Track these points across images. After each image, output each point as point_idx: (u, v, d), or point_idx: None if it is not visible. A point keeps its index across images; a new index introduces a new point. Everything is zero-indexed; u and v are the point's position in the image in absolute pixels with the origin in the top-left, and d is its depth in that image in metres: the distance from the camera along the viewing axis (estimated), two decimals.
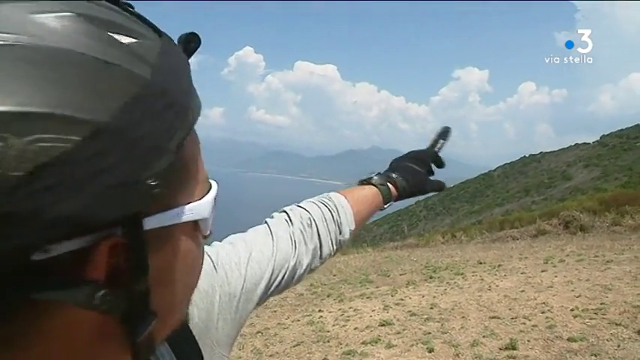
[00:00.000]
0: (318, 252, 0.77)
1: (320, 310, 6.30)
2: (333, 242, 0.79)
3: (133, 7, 0.35)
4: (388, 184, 0.89)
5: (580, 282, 6.18)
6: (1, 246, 0.26)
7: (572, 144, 58.55)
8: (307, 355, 4.62)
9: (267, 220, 0.77)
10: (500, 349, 4.19)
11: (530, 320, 4.89)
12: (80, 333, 0.33)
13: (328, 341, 4.95)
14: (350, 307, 6.24)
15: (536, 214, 13.25)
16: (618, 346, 3.98)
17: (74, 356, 0.33)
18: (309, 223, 0.77)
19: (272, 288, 0.69)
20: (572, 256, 8.00)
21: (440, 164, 0.98)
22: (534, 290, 6.06)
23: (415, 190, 0.94)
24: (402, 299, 6.40)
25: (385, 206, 0.90)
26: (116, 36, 0.31)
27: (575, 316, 4.86)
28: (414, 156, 0.98)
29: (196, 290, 0.56)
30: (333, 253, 0.81)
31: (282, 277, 0.70)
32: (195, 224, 0.38)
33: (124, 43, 0.31)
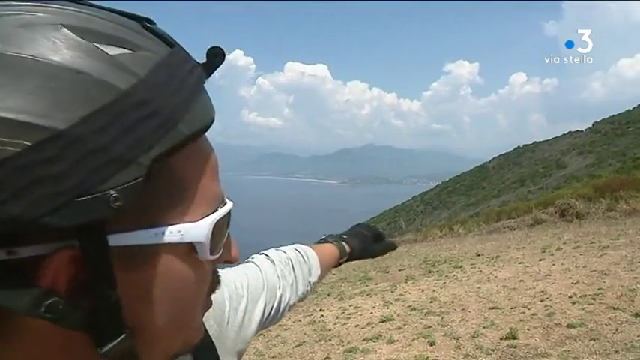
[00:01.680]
0: (295, 288, 0.83)
1: (321, 309, 6.32)
2: (306, 282, 0.87)
3: (152, 22, 0.36)
4: (344, 243, 0.99)
5: (577, 269, 6.22)
6: None
7: (566, 132, 58.80)
8: (310, 354, 4.64)
9: (251, 259, 0.83)
10: (501, 338, 4.22)
11: (529, 309, 4.93)
12: (47, 343, 0.33)
13: (330, 339, 4.97)
14: (350, 305, 6.26)
15: (532, 203, 13.31)
16: (616, 329, 4.01)
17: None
18: (286, 262, 0.84)
19: (266, 314, 0.74)
20: (569, 244, 8.05)
21: (380, 239, 1.09)
22: (532, 279, 6.10)
23: (364, 252, 1.04)
24: (402, 294, 6.43)
25: (341, 261, 1.00)
26: (102, 47, 0.31)
27: (573, 303, 4.90)
28: (364, 226, 1.11)
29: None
30: (305, 294, 0.88)
31: (273, 305, 0.76)
32: (189, 248, 0.36)
33: (108, 54, 0.31)
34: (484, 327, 4.60)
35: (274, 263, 0.82)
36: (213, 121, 0.37)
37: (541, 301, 5.14)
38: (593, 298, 4.90)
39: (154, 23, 0.36)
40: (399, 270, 8.39)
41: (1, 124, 0.27)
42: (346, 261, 1.00)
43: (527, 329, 4.35)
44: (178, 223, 0.35)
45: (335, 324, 5.54)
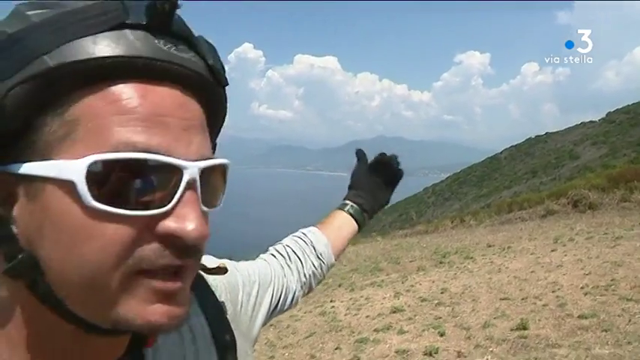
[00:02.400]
0: (302, 279, 0.86)
1: (332, 301, 6.35)
2: (314, 258, 0.89)
3: None
4: (360, 209, 0.98)
5: (590, 259, 6.18)
6: None
7: (579, 123, 58.01)
8: (320, 344, 4.68)
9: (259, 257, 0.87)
10: (512, 329, 4.22)
11: (540, 300, 4.91)
12: None
13: (340, 330, 5.00)
14: (361, 296, 6.28)
15: (544, 194, 13.20)
16: (629, 320, 3.99)
17: None
18: (287, 252, 0.87)
19: (274, 302, 0.77)
20: (581, 235, 7.99)
21: (386, 161, 1.04)
22: (544, 270, 6.07)
23: (380, 206, 1.03)
24: (413, 285, 6.44)
25: (361, 223, 0.99)
26: (28, 10, 0.37)
27: (585, 294, 4.87)
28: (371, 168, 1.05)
29: (225, 283, 0.65)
30: (321, 267, 0.90)
31: (280, 294, 0.79)
32: (70, 187, 0.36)
33: (24, 13, 0.37)
34: (495, 318, 4.60)
35: (276, 256, 0.86)
36: (157, 61, 0.38)
37: (553, 292, 5.12)
38: (606, 289, 4.87)
39: None
40: (410, 261, 8.39)
41: None
42: (370, 218, 1.00)
43: (539, 320, 4.34)
44: (60, 159, 0.36)
45: (346, 315, 5.57)
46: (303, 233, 0.93)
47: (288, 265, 0.85)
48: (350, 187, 1.02)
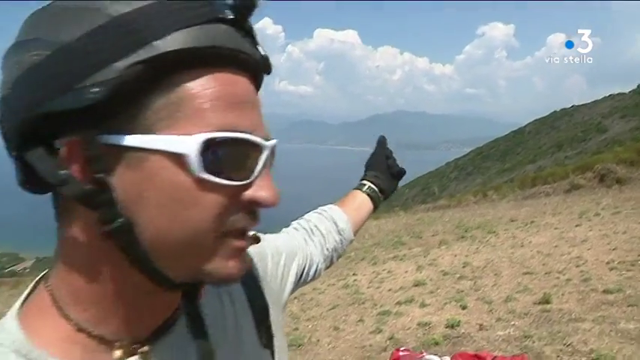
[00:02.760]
0: (325, 252, 0.91)
1: (354, 274, 6.43)
2: (335, 233, 0.94)
3: None
4: (378, 190, 1.04)
5: (616, 235, 6.09)
6: (11, 121, 0.42)
7: (607, 95, 56.24)
8: (343, 316, 4.76)
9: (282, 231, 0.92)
10: (534, 303, 4.22)
11: (564, 274, 4.89)
12: (84, 220, 0.44)
13: (363, 303, 5.08)
14: (384, 270, 6.35)
15: (569, 168, 12.96)
16: None
17: (90, 242, 0.45)
18: (310, 225, 0.92)
19: (300, 272, 0.82)
20: (607, 210, 7.86)
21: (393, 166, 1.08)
22: (568, 245, 6.02)
23: (393, 189, 1.09)
24: (435, 259, 6.47)
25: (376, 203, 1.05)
26: None
27: (611, 269, 4.83)
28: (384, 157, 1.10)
29: (256, 253, 0.69)
30: (342, 242, 0.95)
31: (305, 264, 0.84)
32: (180, 160, 0.41)
33: None
34: (517, 292, 4.61)
35: (300, 230, 0.92)
36: (237, 51, 0.44)
37: (577, 266, 5.09)
38: (633, 265, 4.82)
39: None
40: (432, 235, 8.40)
41: (42, 44, 0.40)
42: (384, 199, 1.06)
43: (562, 294, 4.33)
44: (169, 134, 0.41)
45: (368, 288, 5.65)
46: (324, 210, 0.98)
47: (311, 239, 0.90)
48: (368, 168, 1.07)
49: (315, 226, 0.92)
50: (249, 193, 0.45)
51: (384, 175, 1.05)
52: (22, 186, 0.45)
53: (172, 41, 0.40)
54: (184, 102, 0.42)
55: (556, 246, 6.08)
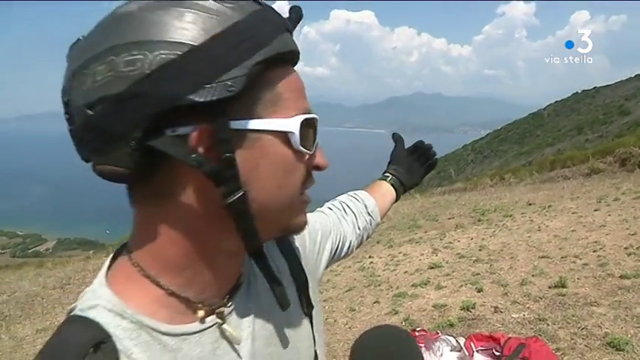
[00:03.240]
0: (355, 226, 1.01)
1: (370, 257, 6.50)
2: (365, 214, 1.04)
3: None
4: (399, 182, 1.16)
5: (636, 220, 6.04)
6: (139, 113, 0.47)
7: (632, 76, 54.74)
8: (359, 298, 4.85)
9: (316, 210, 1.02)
10: (550, 287, 4.24)
11: (580, 259, 4.89)
12: (196, 198, 0.53)
13: (379, 285, 5.15)
14: (399, 252, 6.40)
15: (589, 152, 12.77)
16: None
17: (193, 217, 0.54)
18: (341, 206, 1.03)
19: (334, 248, 0.91)
20: (628, 194, 7.77)
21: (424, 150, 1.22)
22: (586, 230, 5.99)
23: (414, 184, 1.21)
24: (451, 242, 6.50)
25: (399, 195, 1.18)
26: (224, 4, 0.50)
27: (629, 254, 4.80)
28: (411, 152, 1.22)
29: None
30: (371, 223, 1.06)
31: (339, 241, 0.93)
32: (285, 137, 0.54)
33: (226, 6, 0.50)
34: (533, 275, 4.63)
35: (334, 210, 1.01)
36: (298, 53, 0.56)
37: (594, 251, 5.07)
38: None
39: None
40: (449, 218, 8.41)
41: (163, 43, 0.47)
42: (404, 192, 1.18)
43: (578, 279, 4.34)
44: (276, 118, 0.53)
45: (384, 270, 5.71)
46: (355, 193, 1.07)
47: (344, 218, 0.99)
48: (389, 163, 1.18)
49: (348, 206, 1.02)
50: (314, 160, 0.60)
51: (404, 169, 1.16)
52: (118, 177, 0.51)
53: (276, 46, 0.52)
54: (280, 93, 0.54)
55: (573, 230, 6.05)
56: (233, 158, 0.50)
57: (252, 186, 0.52)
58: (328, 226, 0.91)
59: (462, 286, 4.64)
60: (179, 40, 0.47)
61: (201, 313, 0.58)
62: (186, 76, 0.46)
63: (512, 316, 3.77)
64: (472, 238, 6.55)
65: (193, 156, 0.49)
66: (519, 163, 31.05)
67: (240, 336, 0.61)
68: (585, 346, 3.12)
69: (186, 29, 0.47)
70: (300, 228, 0.61)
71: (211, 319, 0.59)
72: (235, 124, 0.50)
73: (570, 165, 12.15)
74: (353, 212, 1.01)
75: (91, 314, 0.53)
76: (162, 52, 0.46)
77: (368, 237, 1.06)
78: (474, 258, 5.52)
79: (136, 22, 0.47)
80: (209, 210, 0.53)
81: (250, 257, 0.62)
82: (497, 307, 3.99)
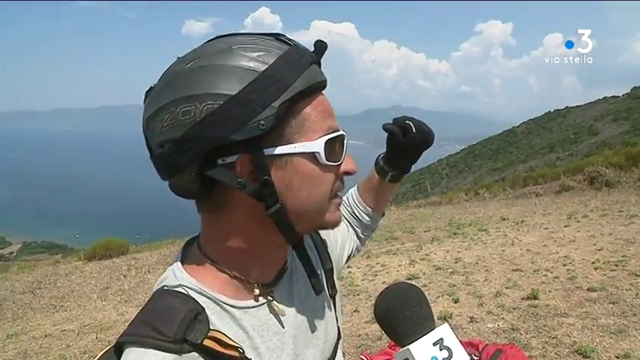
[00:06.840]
0: (358, 223, 1.10)
1: (349, 267, 6.57)
2: (363, 207, 1.10)
3: (281, 35, 0.66)
4: (397, 172, 1.08)
5: (603, 236, 6.32)
6: (194, 150, 0.60)
7: (601, 97, 56.68)
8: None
9: None
10: (523, 298, 4.43)
11: (551, 272, 5.11)
12: (247, 208, 0.65)
13: (358, 294, 5.25)
14: (377, 263, 6.52)
15: (560, 170, 13.21)
16: (637, 294, 4.17)
17: (246, 222, 0.67)
18: (348, 205, 1.10)
19: (349, 251, 1.05)
20: (595, 212, 8.10)
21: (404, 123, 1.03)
22: (557, 244, 6.24)
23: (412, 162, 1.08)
24: (428, 254, 6.66)
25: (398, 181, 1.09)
26: (249, 53, 0.61)
27: (596, 268, 5.05)
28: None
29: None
30: (371, 213, 1.10)
31: (352, 242, 1.06)
32: (312, 156, 0.64)
33: (251, 56, 0.61)
34: (507, 287, 4.81)
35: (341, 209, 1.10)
36: (323, 82, 0.65)
37: (564, 265, 5.30)
38: (616, 265, 5.04)
39: (283, 35, 0.66)
40: (425, 231, 8.58)
41: (210, 95, 0.59)
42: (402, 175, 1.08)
43: (549, 291, 4.54)
44: (304, 142, 0.63)
45: (362, 280, 5.81)
46: (353, 193, 1.12)
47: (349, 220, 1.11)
48: (386, 153, 1.08)
49: (349, 204, 1.11)
50: (342, 168, 0.69)
51: (401, 154, 1.03)
52: (188, 195, 0.68)
53: (300, 83, 0.62)
54: (306, 119, 0.64)
55: (545, 245, 6.29)
56: (269, 179, 0.62)
57: (287, 198, 0.64)
58: (344, 229, 1.05)
59: (439, 296, 4.78)
60: (221, 92, 0.58)
61: (256, 291, 0.72)
62: (227, 120, 0.58)
63: (488, 325, 3.93)
64: (448, 251, 6.72)
65: (239, 180, 0.62)
66: (493, 179, 31.75)
67: (284, 311, 0.74)
68: (555, 354, 3.29)
69: (225, 81, 0.59)
70: (333, 224, 0.72)
71: (263, 298, 0.73)
72: (268, 151, 0.61)
73: (542, 182, 12.56)
74: (355, 215, 1.13)
75: (183, 291, 0.67)
76: (208, 102, 0.58)
77: (370, 236, 1.14)
78: (451, 270, 5.69)
79: (187, 80, 0.61)
80: (256, 216, 0.66)
81: (292, 249, 0.76)
82: (473, 317, 4.14)
